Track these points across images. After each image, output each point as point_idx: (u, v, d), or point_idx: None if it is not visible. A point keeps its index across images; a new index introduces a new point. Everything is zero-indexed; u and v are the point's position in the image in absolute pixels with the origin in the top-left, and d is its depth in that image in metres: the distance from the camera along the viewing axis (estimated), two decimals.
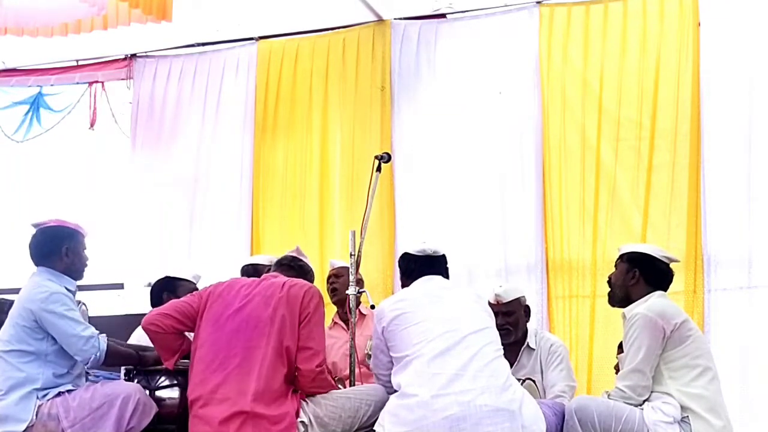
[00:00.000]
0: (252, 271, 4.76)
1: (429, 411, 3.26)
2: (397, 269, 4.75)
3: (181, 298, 3.75)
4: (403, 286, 3.92)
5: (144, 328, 3.63)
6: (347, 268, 4.36)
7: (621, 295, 3.94)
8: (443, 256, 3.92)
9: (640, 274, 3.88)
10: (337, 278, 4.78)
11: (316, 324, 3.60)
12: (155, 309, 3.73)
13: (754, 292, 5.06)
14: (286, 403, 3.44)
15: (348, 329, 4.57)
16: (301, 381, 3.53)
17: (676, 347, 3.65)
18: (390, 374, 3.57)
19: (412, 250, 3.90)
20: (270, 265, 4.78)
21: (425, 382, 3.32)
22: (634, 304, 3.83)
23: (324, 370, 3.59)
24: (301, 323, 3.55)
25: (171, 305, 3.69)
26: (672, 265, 3.99)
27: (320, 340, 3.60)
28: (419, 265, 3.83)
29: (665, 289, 3.91)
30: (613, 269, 4.04)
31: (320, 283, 4.88)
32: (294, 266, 3.90)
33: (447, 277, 3.90)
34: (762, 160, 5.16)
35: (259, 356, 3.47)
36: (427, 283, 3.77)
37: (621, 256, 3.99)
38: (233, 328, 3.54)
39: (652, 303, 3.75)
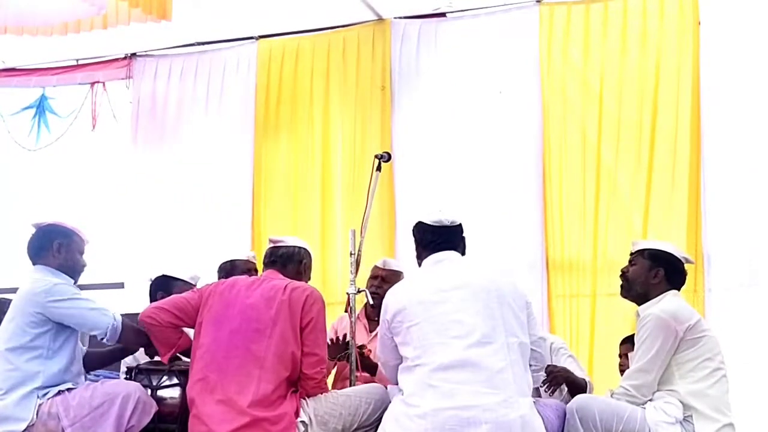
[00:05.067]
0: (230, 267, 4.75)
1: (429, 423, 3.23)
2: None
3: (181, 294, 3.75)
4: (417, 256, 3.72)
5: (140, 321, 3.64)
6: (395, 272, 4.44)
7: (640, 292, 3.85)
8: (459, 226, 3.71)
9: (664, 274, 3.82)
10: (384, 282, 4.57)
11: (321, 330, 3.61)
12: (153, 303, 3.75)
13: (754, 291, 5.07)
14: (285, 403, 3.44)
15: (370, 331, 4.58)
16: (306, 384, 3.56)
17: (689, 348, 3.62)
18: (398, 362, 3.50)
19: (427, 220, 3.69)
20: (248, 260, 4.79)
21: (427, 393, 3.26)
22: (649, 303, 3.78)
23: (326, 374, 3.64)
24: (304, 329, 3.55)
25: (169, 300, 3.70)
26: None
27: (324, 346, 3.63)
28: (435, 236, 3.64)
29: (680, 288, 3.87)
30: (627, 263, 3.93)
31: (319, 278, 4.87)
32: (277, 260, 3.80)
33: (463, 250, 3.71)
34: (762, 159, 5.16)
35: (260, 359, 3.47)
36: (438, 269, 3.55)
37: (641, 252, 3.89)
38: (233, 328, 3.53)
39: (665, 304, 3.71)
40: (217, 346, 3.52)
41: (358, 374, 4.04)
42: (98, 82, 6.72)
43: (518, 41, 5.71)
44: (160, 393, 3.72)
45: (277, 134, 6.27)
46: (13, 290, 3.90)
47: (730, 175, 5.20)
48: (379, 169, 4.15)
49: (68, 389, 3.63)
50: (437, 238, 3.63)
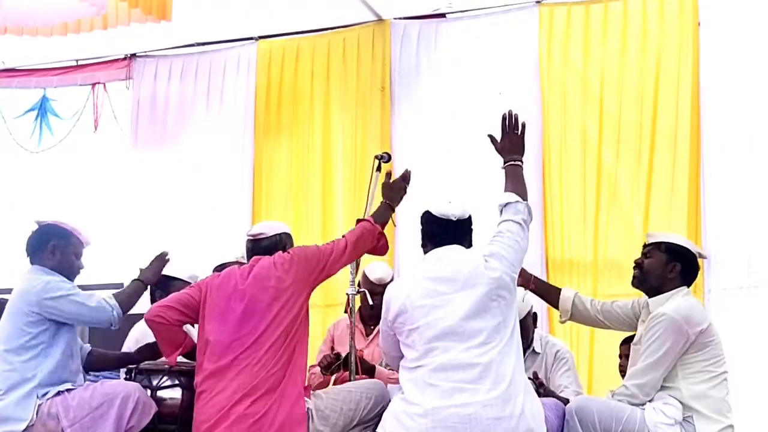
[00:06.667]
0: (222, 270, 4.73)
1: (430, 422, 3.24)
2: (398, 269, 4.77)
3: (182, 290, 3.73)
4: (422, 245, 3.65)
5: (147, 321, 3.61)
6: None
7: (654, 285, 3.78)
8: (468, 219, 3.62)
9: (680, 269, 3.78)
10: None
11: (307, 252, 3.66)
12: (158, 302, 3.72)
13: (753, 292, 5.07)
14: (295, 393, 3.45)
15: (366, 335, 4.58)
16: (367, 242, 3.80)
17: (698, 351, 3.60)
18: (401, 353, 3.48)
19: (434, 211, 3.57)
20: (241, 260, 4.77)
21: (427, 392, 3.26)
22: (660, 297, 3.74)
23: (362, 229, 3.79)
24: (310, 279, 3.61)
25: (173, 297, 3.68)
26: None
27: (327, 253, 3.69)
28: (441, 229, 3.55)
29: (691, 284, 3.84)
30: (642, 255, 3.87)
31: None
32: (261, 252, 3.74)
33: (470, 242, 3.62)
34: (762, 160, 5.16)
35: (265, 346, 3.46)
36: (440, 267, 3.46)
37: (658, 245, 3.83)
38: (239, 318, 3.52)
39: (680, 304, 3.66)
40: (227, 338, 3.50)
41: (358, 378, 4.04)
42: (98, 82, 6.73)
43: (518, 42, 5.72)
44: (160, 393, 3.72)
45: (277, 135, 6.27)
46: (9, 291, 3.90)
47: (730, 175, 5.20)
48: (378, 169, 4.15)
49: (68, 389, 3.63)
50: (442, 231, 3.55)
